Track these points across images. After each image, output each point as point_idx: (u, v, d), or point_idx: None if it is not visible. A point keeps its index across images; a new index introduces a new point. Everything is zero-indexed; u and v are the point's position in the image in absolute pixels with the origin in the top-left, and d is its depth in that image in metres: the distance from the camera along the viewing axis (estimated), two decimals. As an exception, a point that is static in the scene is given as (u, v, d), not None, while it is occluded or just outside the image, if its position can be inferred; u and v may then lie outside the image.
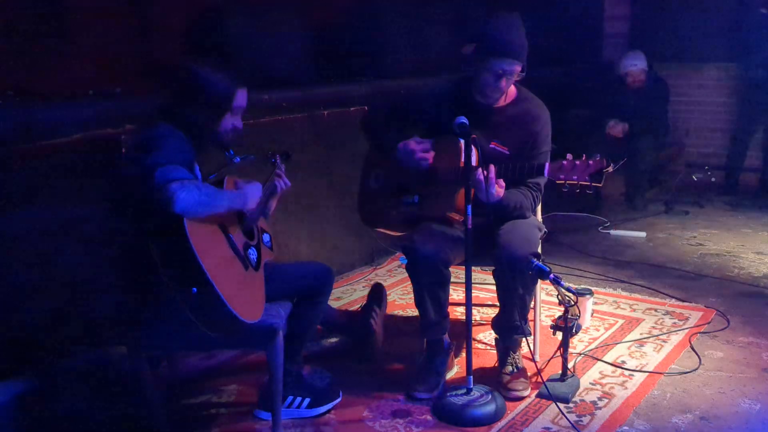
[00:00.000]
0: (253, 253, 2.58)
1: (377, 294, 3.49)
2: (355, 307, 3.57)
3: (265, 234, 2.78)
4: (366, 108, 4.45)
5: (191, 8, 4.52)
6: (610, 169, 2.64)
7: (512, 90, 3.08)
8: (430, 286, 2.94)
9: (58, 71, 3.80)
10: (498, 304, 3.06)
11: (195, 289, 2.19)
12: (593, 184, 2.65)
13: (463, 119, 2.72)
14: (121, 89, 3.84)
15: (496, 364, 3.13)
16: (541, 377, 2.96)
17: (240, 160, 2.67)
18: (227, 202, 2.42)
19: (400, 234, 3.25)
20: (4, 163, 2.87)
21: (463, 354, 2.94)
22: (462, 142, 2.82)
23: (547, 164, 2.76)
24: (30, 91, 3.63)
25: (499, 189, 2.79)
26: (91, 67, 3.93)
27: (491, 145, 3.01)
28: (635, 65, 5.89)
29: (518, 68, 2.89)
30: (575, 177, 2.66)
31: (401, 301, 4.05)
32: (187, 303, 2.20)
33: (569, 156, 2.68)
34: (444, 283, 2.98)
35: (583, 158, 2.65)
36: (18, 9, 3.64)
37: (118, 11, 4.10)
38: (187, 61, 2.56)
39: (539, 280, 2.96)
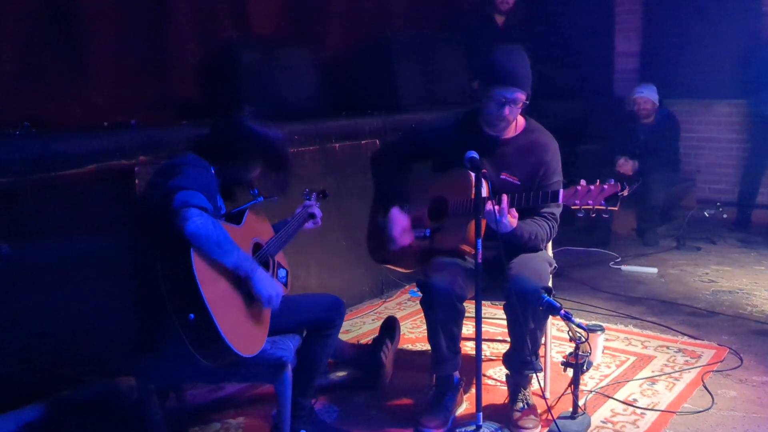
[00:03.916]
0: None
1: (390, 327, 3.47)
2: (365, 339, 3.55)
3: (281, 269, 2.77)
4: (377, 141, 4.49)
5: (206, 42, 4.59)
6: (626, 192, 2.62)
7: (521, 121, 3.10)
8: (444, 322, 2.92)
9: (73, 103, 3.86)
10: (509, 339, 3.04)
11: (192, 315, 2.18)
12: (609, 208, 2.62)
13: (474, 153, 2.72)
14: (135, 121, 3.89)
15: (506, 401, 3.10)
16: (552, 414, 2.93)
17: (263, 199, 2.69)
18: (235, 259, 2.33)
19: (409, 271, 3.24)
20: (18, 194, 2.90)
21: (473, 390, 2.91)
22: (473, 175, 2.83)
23: (561, 191, 2.74)
24: (45, 123, 3.68)
25: (512, 219, 2.77)
26: (106, 99, 3.99)
27: (502, 176, 3.02)
28: (641, 92, 5.96)
29: (521, 96, 2.91)
30: (590, 202, 2.64)
31: (410, 334, 4.03)
32: (184, 329, 2.19)
33: (583, 182, 2.67)
34: (458, 318, 2.96)
35: (597, 183, 2.65)
36: (34, 40, 3.70)
37: (133, 44, 4.17)
38: (243, 114, 2.62)
39: (550, 316, 2.94)
